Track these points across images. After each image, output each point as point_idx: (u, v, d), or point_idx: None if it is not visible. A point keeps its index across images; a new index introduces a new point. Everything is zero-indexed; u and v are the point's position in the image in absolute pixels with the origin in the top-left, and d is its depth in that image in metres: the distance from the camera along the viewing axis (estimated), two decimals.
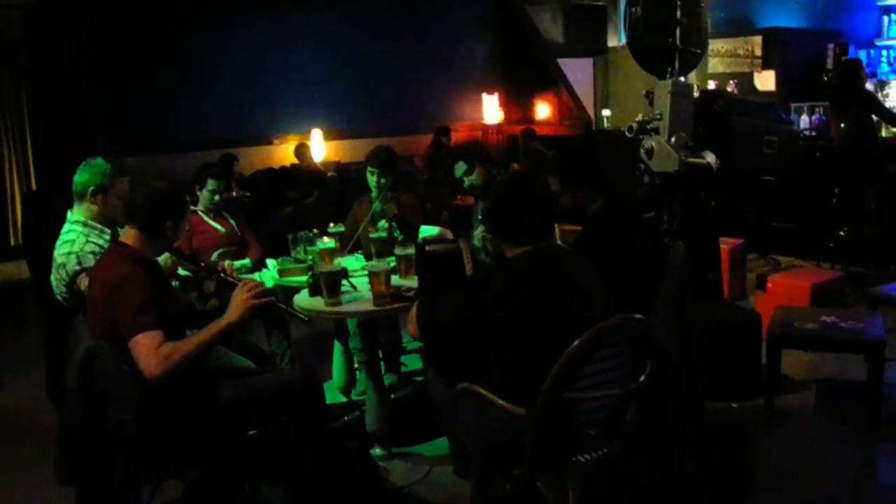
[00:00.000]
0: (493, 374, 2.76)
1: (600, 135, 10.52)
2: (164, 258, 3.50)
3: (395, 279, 3.80)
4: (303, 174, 9.50)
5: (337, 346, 4.64)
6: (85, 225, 3.69)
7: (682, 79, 5.27)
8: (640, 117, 5.13)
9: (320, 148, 10.31)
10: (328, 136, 10.46)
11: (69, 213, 3.76)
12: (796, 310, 4.80)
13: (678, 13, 5.15)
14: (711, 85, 9.59)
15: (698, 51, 5.35)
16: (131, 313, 2.84)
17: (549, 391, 2.54)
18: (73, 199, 3.78)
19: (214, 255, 5.00)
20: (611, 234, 3.56)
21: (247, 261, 4.96)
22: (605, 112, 11.44)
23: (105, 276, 3.00)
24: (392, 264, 3.83)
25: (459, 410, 2.88)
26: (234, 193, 8.50)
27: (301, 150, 9.86)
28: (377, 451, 3.92)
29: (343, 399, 4.62)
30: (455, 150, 9.62)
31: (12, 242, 10.13)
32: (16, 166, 10.24)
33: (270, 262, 4.86)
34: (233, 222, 5.33)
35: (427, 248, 3.28)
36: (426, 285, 3.23)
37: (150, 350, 2.79)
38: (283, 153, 10.23)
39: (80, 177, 3.73)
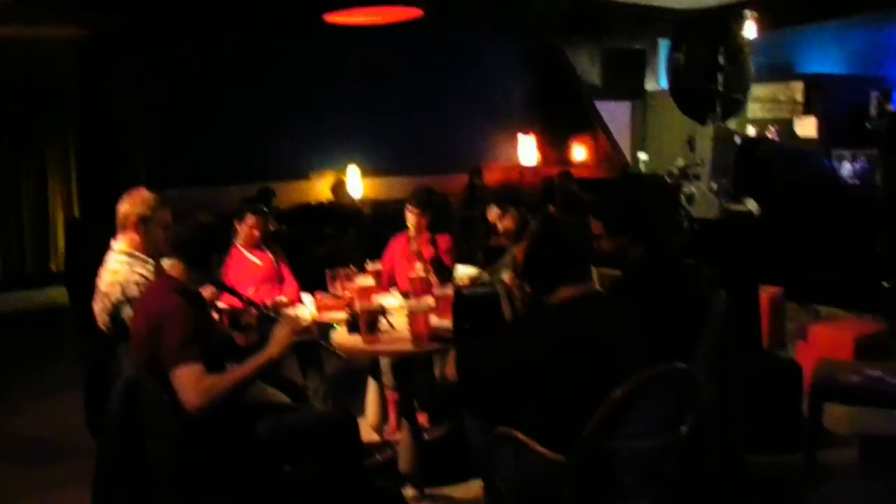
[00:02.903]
0: (531, 419, 2.73)
1: (637, 178, 10.50)
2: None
3: (433, 319, 3.79)
4: (339, 210, 9.56)
5: (371, 384, 4.63)
6: (129, 255, 3.72)
7: (724, 125, 5.27)
8: (680, 163, 5.13)
9: (357, 184, 10.39)
10: (365, 172, 10.53)
11: (113, 243, 3.79)
12: (840, 362, 4.70)
13: (721, 59, 5.16)
14: (751, 130, 9.56)
15: (740, 97, 5.34)
16: (174, 345, 2.86)
17: (588, 439, 2.51)
18: (115, 228, 3.82)
19: (251, 290, 5.04)
20: (652, 280, 3.53)
21: (284, 298, 4.97)
22: (642, 156, 11.44)
23: (149, 307, 3.03)
24: (431, 304, 3.83)
25: (496, 454, 2.85)
26: (272, 227, 8.55)
27: (337, 187, 9.94)
28: (409, 491, 3.89)
29: (376, 437, 4.59)
30: (490, 192, 9.68)
31: (53, 268, 10.28)
32: (60, 194, 10.42)
33: (306, 297, 4.87)
34: (271, 256, 5.36)
35: (464, 291, 3.27)
36: (462, 329, 3.22)
37: (191, 382, 2.81)
38: (321, 188, 10.32)
39: (123, 207, 3.77)
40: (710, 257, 5.03)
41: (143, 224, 3.74)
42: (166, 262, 3.20)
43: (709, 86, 5.13)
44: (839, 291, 7.09)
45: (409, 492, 3.88)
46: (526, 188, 11.56)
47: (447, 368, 2.97)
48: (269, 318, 3.39)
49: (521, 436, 2.70)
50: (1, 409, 5.69)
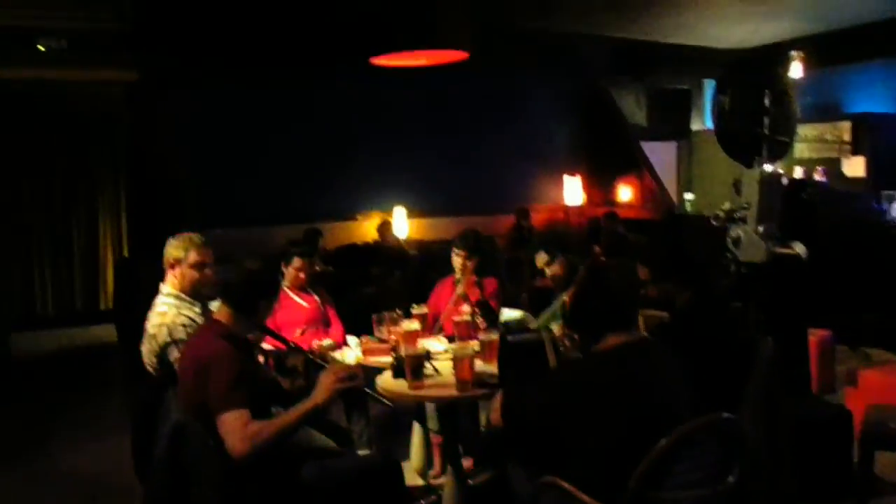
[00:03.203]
0: (576, 467, 2.71)
1: (683, 219, 10.44)
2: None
3: (479, 364, 3.80)
4: (385, 251, 9.62)
5: (416, 428, 4.64)
6: (176, 297, 3.82)
7: (770, 167, 5.23)
8: (727, 206, 5.09)
9: (403, 225, 10.46)
10: (411, 213, 10.60)
11: (161, 286, 3.89)
12: (891, 408, 4.60)
13: (767, 101, 5.14)
14: (798, 171, 9.48)
15: (787, 139, 5.31)
16: (221, 390, 2.90)
17: (634, 489, 2.49)
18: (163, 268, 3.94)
19: (298, 332, 5.09)
20: (699, 326, 3.51)
21: (330, 341, 5.00)
22: (688, 196, 11.39)
23: (196, 351, 3.08)
24: (475, 349, 3.84)
25: (540, 503, 2.84)
26: (318, 268, 8.62)
27: (383, 228, 10.01)
28: None
29: (421, 481, 4.59)
30: (536, 235, 9.67)
31: (102, 307, 10.48)
32: (110, 232, 10.66)
33: (352, 339, 4.90)
34: (317, 298, 5.41)
35: (509, 338, 3.28)
36: (507, 374, 3.22)
37: (237, 428, 2.85)
38: (367, 229, 10.40)
39: (165, 250, 3.90)
40: (758, 301, 4.97)
41: (176, 266, 3.84)
42: (214, 306, 3.26)
43: (754, 129, 5.10)
44: (890, 334, 6.96)
45: None
46: (571, 229, 11.55)
47: (492, 414, 2.96)
48: (315, 364, 3.42)
49: (565, 484, 2.69)
50: (48, 447, 5.80)
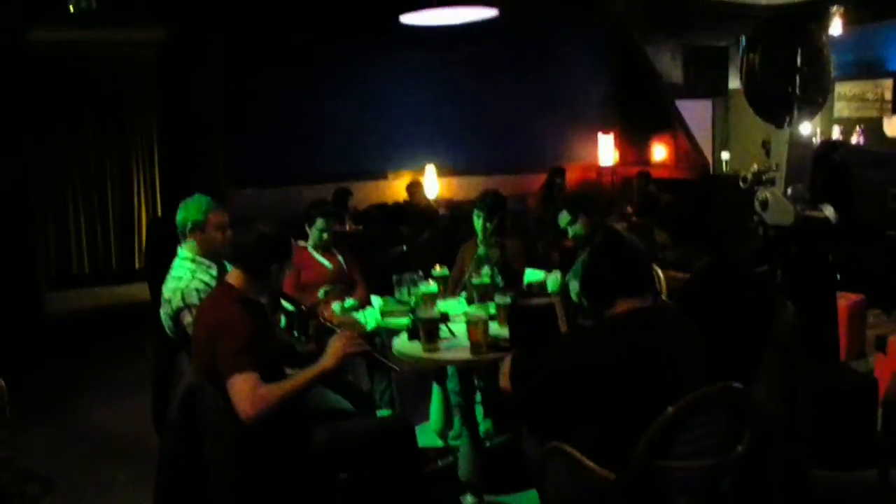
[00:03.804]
0: (584, 434, 2.70)
1: (717, 180, 10.27)
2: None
3: (495, 326, 3.78)
4: (415, 211, 9.59)
5: (435, 389, 4.65)
6: (193, 261, 3.84)
7: (802, 128, 5.10)
8: (755, 168, 4.98)
9: (434, 184, 10.40)
10: (442, 172, 10.53)
11: (179, 249, 3.91)
12: None
13: (799, 60, 4.99)
14: (836, 130, 9.25)
15: (819, 99, 5.16)
16: (231, 354, 2.92)
17: (640, 457, 2.47)
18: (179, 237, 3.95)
19: (321, 292, 5.11)
20: (716, 292, 3.46)
21: (353, 301, 5.02)
22: (724, 155, 11.18)
23: (208, 315, 3.10)
24: (492, 312, 3.82)
25: (549, 468, 2.83)
26: (348, 228, 8.65)
27: (413, 187, 9.97)
28: (469, 498, 3.89)
29: (440, 442, 4.61)
30: (566, 194, 9.57)
31: (137, 266, 10.61)
32: (144, 193, 10.76)
33: (376, 300, 4.91)
34: (341, 259, 5.42)
35: (519, 302, 3.25)
36: (518, 339, 3.20)
37: (245, 391, 2.87)
38: (398, 188, 10.35)
39: (179, 215, 3.92)
40: (785, 265, 4.87)
41: (197, 229, 3.85)
42: (230, 271, 3.27)
43: (785, 88, 4.96)
44: None
45: (468, 499, 3.89)
46: (604, 188, 11.42)
47: (501, 379, 2.95)
48: (326, 328, 3.42)
49: (572, 451, 2.68)
50: (80, 403, 5.91)
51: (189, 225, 3.88)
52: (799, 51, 4.96)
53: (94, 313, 9.24)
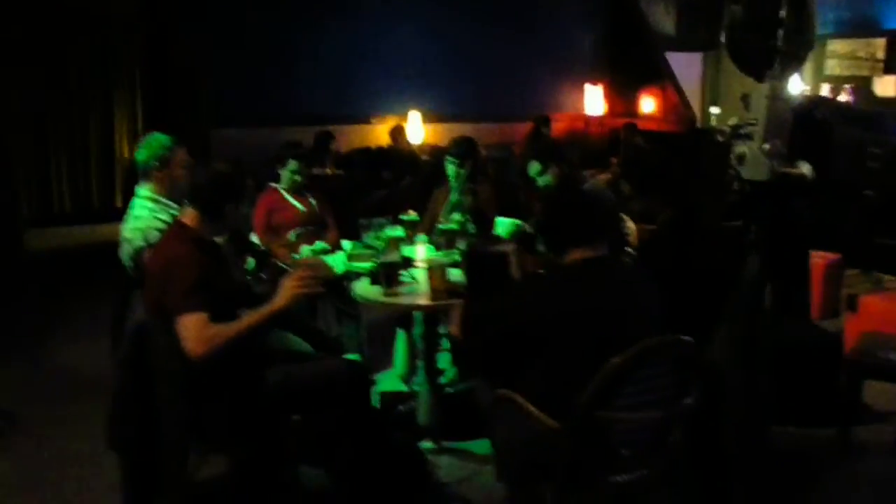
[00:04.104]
0: (532, 383, 2.68)
1: (704, 134, 10.18)
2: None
3: (458, 272, 3.74)
4: (397, 156, 9.51)
5: (400, 335, 4.63)
6: (154, 201, 3.78)
7: (792, 85, 5.01)
8: (734, 121, 4.91)
9: (418, 130, 10.30)
10: (427, 118, 10.43)
11: (137, 189, 3.85)
12: (885, 336, 4.50)
13: (782, 11, 4.88)
14: (825, 88, 9.15)
15: (802, 54, 5.06)
16: (181, 293, 2.88)
17: (583, 408, 2.45)
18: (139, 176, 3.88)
19: (292, 235, 5.06)
20: (677, 244, 3.42)
21: (322, 244, 4.98)
22: (714, 110, 11.06)
23: (160, 254, 3.08)
24: (456, 258, 3.78)
25: (497, 416, 2.82)
26: (329, 171, 8.58)
27: (395, 132, 9.87)
28: (427, 444, 3.89)
29: (404, 388, 4.59)
30: (544, 145, 9.47)
31: (119, 204, 10.50)
32: (126, 131, 10.60)
33: (346, 244, 4.87)
34: (313, 202, 5.36)
35: (472, 248, 3.21)
36: (473, 286, 3.17)
37: (193, 330, 2.84)
38: (382, 133, 10.27)
39: (140, 154, 3.84)
40: (759, 221, 4.83)
41: (163, 167, 3.78)
42: (184, 210, 3.22)
43: (767, 41, 4.86)
44: None
45: (426, 444, 3.89)
46: (591, 139, 11.33)
47: (451, 327, 2.92)
48: (280, 269, 3.38)
49: (519, 399, 2.66)
50: (52, 341, 5.88)
51: (155, 162, 3.82)
52: (783, 2, 4.85)
53: (74, 252, 9.15)
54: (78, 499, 3.61)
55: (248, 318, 2.92)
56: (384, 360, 4.84)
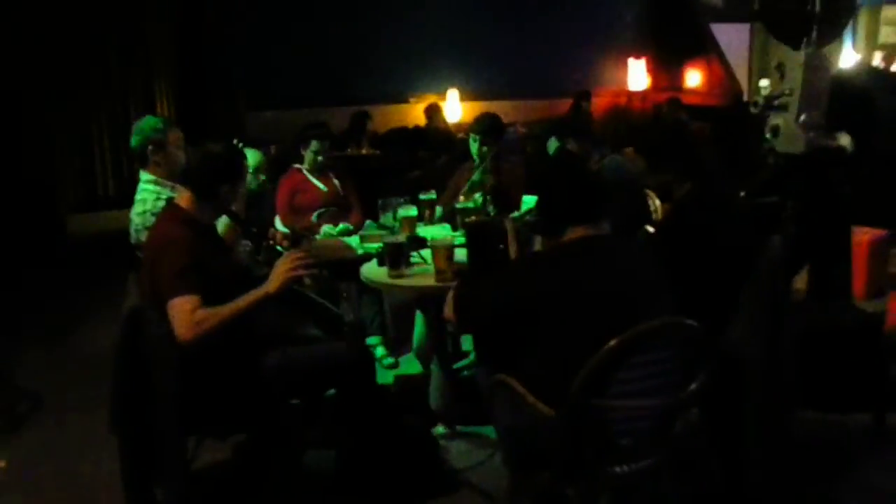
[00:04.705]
0: (529, 368, 2.55)
1: (747, 106, 9.82)
2: (224, 222, 3.46)
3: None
4: (433, 135, 9.39)
5: (418, 317, 4.51)
6: (156, 183, 3.75)
7: (845, 55, 4.76)
8: (767, 91, 4.69)
9: (456, 109, 10.16)
10: (466, 96, 10.28)
11: (141, 174, 3.82)
12: None
13: None
14: (878, 56, 8.76)
15: (842, 20, 4.81)
16: (171, 276, 2.82)
17: (576, 395, 2.31)
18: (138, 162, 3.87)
19: (314, 216, 5.02)
20: (696, 222, 3.24)
21: (345, 225, 4.92)
22: (763, 82, 10.67)
23: (153, 237, 3.03)
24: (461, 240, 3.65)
25: (495, 402, 2.70)
26: (365, 151, 8.52)
27: (431, 111, 9.75)
28: (440, 429, 3.79)
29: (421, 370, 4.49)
30: (591, 119, 9.28)
31: None
32: (168, 115, 10.63)
33: (369, 224, 4.79)
34: (337, 182, 5.30)
35: (468, 223, 3.08)
36: (471, 263, 3.04)
37: (183, 314, 2.78)
38: (419, 112, 10.16)
39: (135, 139, 3.83)
40: (795, 196, 4.61)
41: (159, 149, 3.74)
42: (178, 192, 3.16)
43: (803, 7, 4.62)
44: None
45: (439, 430, 3.79)
46: (634, 114, 11.07)
47: (446, 308, 2.79)
48: (275, 252, 3.31)
49: (516, 385, 2.53)
50: (86, 325, 5.92)
51: (150, 146, 3.78)
52: None
53: (116, 236, 9.21)
54: (92, 481, 3.61)
55: (239, 301, 2.84)
56: (407, 343, 4.75)
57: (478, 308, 2.67)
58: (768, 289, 3.16)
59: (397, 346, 4.97)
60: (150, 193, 3.73)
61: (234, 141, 3.26)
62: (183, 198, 3.07)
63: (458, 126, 9.92)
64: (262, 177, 4.83)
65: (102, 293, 6.61)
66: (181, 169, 3.21)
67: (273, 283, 2.87)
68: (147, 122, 3.84)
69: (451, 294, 2.79)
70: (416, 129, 9.85)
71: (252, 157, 4.45)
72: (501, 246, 2.97)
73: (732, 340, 3.06)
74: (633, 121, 10.41)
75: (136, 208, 3.75)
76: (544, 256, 2.70)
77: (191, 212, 3.04)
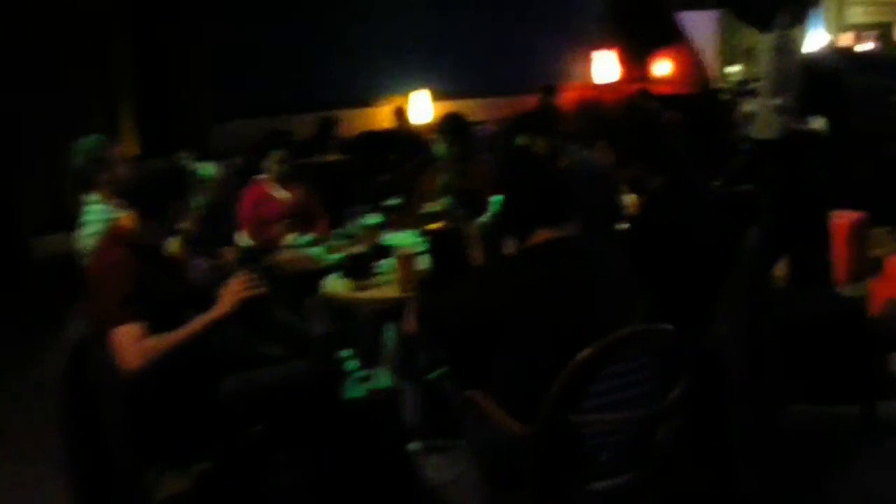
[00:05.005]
0: (497, 382, 2.39)
1: (717, 93, 9.75)
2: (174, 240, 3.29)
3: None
4: (401, 138, 9.24)
5: (388, 329, 4.35)
6: (103, 204, 3.58)
7: (814, 36, 4.65)
8: (736, 76, 4.58)
9: (427, 109, 10.01)
10: (436, 96, 10.14)
11: (89, 196, 3.66)
12: None
13: None
14: (848, 37, 8.68)
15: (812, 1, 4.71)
16: (113, 304, 2.66)
17: (548, 410, 2.16)
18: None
19: (279, 227, 4.86)
20: (671, 215, 3.09)
21: (308, 237, 4.76)
22: (733, 69, 10.60)
23: (94, 263, 2.86)
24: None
25: (464, 419, 2.54)
26: (331, 158, 8.37)
27: (398, 113, 9.61)
28: (415, 445, 3.62)
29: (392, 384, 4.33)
30: (558, 113, 9.14)
31: None
32: (128, 135, 10.41)
33: (336, 234, 4.64)
34: (301, 192, 5.15)
35: (429, 230, 2.93)
36: (440, 273, 2.89)
37: (128, 343, 2.62)
38: (386, 115, 10.01)
39: (76, 162, 3.65)
40: (770, 182, 4.50)
41: (104, 169, 3.58)
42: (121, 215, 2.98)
43: None
44: None
45: (414, 446, 3.62)
46: (608, 106, 10.93)
47: (406, 322, 2.63)
48: (225, 270, 3.14)
49: (485, 402, 2.38)
50: (48, 353, 5.70)
51: (93, 165, 3.62)
52: None
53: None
54: None
55: (187, 327, 2.68)
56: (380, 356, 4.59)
57: (439, 321, 2.51)
58: (747, 282, 3.03)
59: (370, 357, 4.79)
60: (96, 215, 3.55)
61: (186, 155, 3.10)
62: (126, 218, 2.89)
63: (430, 127, 9.78)
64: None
65: (63, 320, 6.47)
66: (120, 188, 3.04)
67: (222, 305, 2.72)
68: (86, 143, 3.69)
69: (411, 305, 2.63)
70: (385, 132, 9.71)
71: (209, 170, 4.28)
72: (466, 251, 2.80)
73: (713, 337, 2.93)
74: (603, 113, 10.27)
75: (86, 230, 3.57)
76: (506, 263, 2.54)
77: (135, 233, 2.86)
